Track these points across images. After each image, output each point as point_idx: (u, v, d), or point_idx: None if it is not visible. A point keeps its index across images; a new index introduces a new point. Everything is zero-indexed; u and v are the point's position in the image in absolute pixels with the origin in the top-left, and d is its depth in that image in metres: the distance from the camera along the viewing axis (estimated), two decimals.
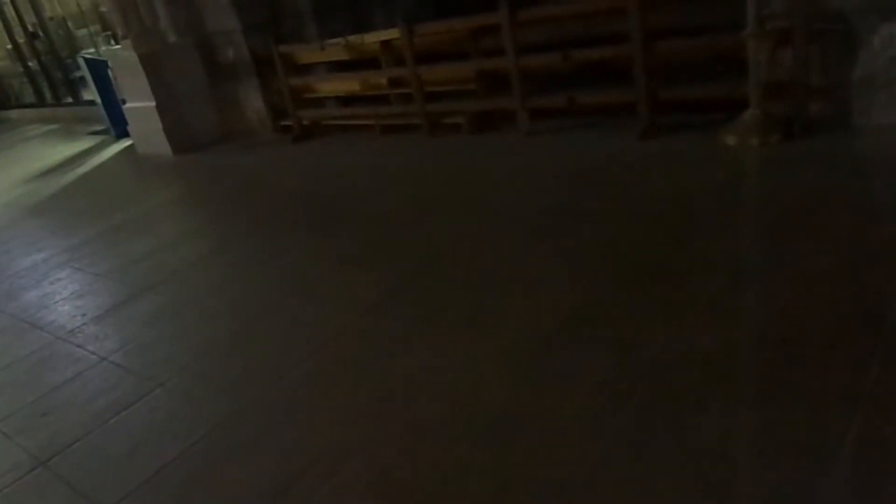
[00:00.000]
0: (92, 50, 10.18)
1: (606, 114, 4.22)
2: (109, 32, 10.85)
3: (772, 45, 3.41)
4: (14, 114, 11.77)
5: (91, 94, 10.19)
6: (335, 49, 5.28)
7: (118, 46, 9.14)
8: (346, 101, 5.92)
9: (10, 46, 11.62)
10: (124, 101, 7.07)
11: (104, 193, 5.75)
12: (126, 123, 7.82)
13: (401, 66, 5.00)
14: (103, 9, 13.36)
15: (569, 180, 3.64)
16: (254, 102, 6.21)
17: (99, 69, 7.77)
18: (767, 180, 3.19)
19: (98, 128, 8.70)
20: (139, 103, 6.46)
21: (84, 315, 3.39)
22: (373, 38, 5.04)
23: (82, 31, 13.30)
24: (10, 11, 10.76)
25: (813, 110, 3.46)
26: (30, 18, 10.99)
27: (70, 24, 13.15)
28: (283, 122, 6.05)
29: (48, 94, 11.05)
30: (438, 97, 4.93)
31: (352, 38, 5.14)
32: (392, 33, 4.88)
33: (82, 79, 10.52)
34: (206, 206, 4.87)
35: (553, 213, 3.26)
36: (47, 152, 8.10)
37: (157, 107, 6.25)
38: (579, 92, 4.17)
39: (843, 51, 3.32)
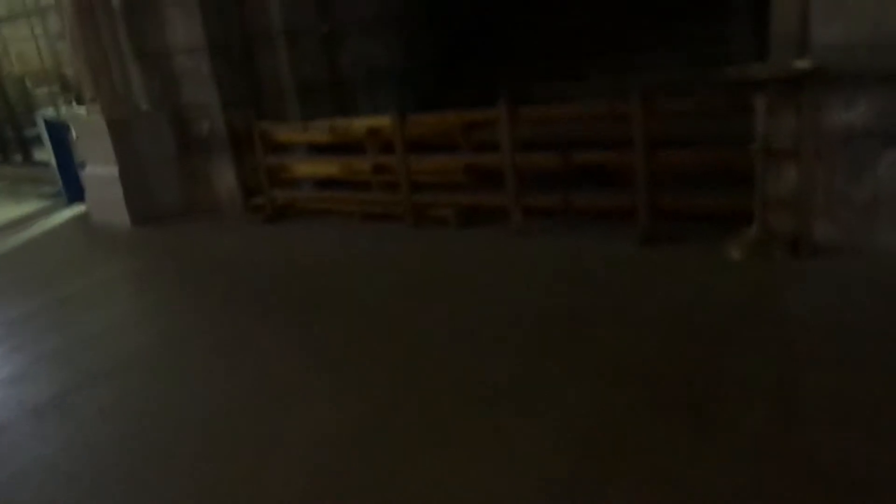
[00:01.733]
0: (51, 109, 9.82)
1: (603, 216, 4.11)
2: (73, 94, 10.57)
3: (778, 161, 3.39)
4: None
5: (45, 154, 9.79)
6: (318, 131, 5.11)
7: (80, 108, 8.84)
8: (323, 184, 5.72)
9: None
10: (83, 166, 6.71)
11: (51, 262, 5.29)
12: (80, 188, 7.43)
13: (386, 154, 4.86)
14: (67, 70, 13.13)
15: (567, 285, 3.46)
16: (225, 178, 5.94)
17: (57, 130, 7.42)
18: (777, 300, 3.08)
19: (49, 190, 8.23)
20: (100, 169, 6.11)
21: (20, 405, 2.94)
22: (361, 123, 4.90)
23: (41, 90, 12.97)
24: None
25: (818, 230, 3.41)
26: None
27: (28, 81, 12.80)
28: (254, 201, 5.78)
29: None
30: (424, 188, 4.77)
31: (338, 122, 4.99)
32: (381, 120, 4.75)
33: (36, 138, 10.11)
34: (165, 284, 4.48)
35: (554, 322, 3.05)
36: None
37: (120, 174, 5.91)
38: (576, 192, 4.07)
39: (849, 172, 3.31)
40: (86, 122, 6.18)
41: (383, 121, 4.73)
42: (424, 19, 6.40)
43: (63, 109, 9.73)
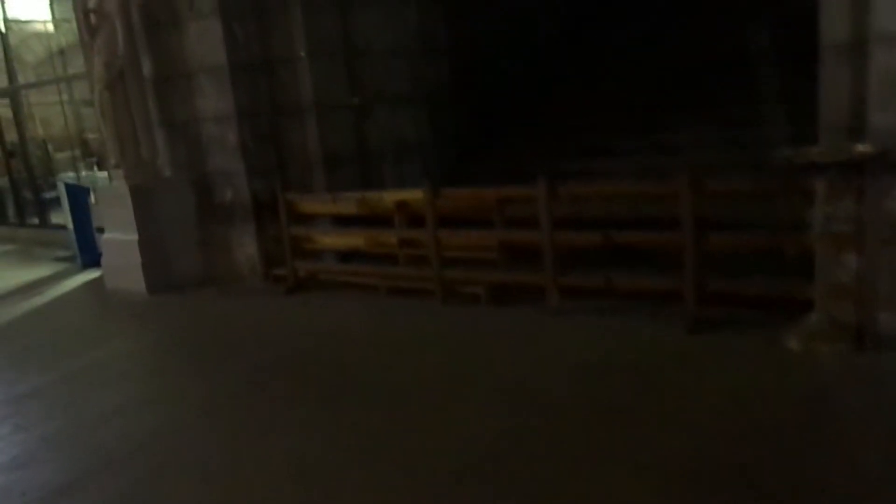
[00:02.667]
0: (72, 174, 9.84)
1: (647, 299, 3.92)
2: (94, 158, 10.63)
3: (839, 247, 3.22)
4: None
5: (62, 218, 9.75)
6: (347, 202, 5.00)
7: (102, 173, 8.85)
8: (346, 256, 5.58)
9: None
10: (101, 231, 6.62)
11: (64, 331, 5.09)
12: (96, 253, 7.31)
13: (414, 227, 4.73)
14: (89, 135, 13.31)
15: (607, 375, 3.23)
16: (247, 248, 5.80)
17: (77, 194, 7.36)
18: (841, 397, 2.84)
19: (63, 254, 8.12)
20: (119, 235, 5.99)
21: (24, 495, 2.69)
22: (391, 196, 4.79)
23: (62, 154, 13.11)
24: None
25: (883, 321, 3.20)
26: (10, 137, 10.71)
27: (50, 146, 12.96)
28: (276, 272, 5.63)
29: (11, 214, 10.49)
30: (455, 263, 4.60)
31: (369, 194, 4.88)
32: (412, 193, 4.64)
33: (53, 201, 10.10)
34: (184, 359, 4.26)
35: (609, 415, 2.81)
36: (3, 275, 7.42)
37: (140, 240, 5.78)
38: (618, 272, 3.89)
39: None
40: (108, 187, 6.12)
41: (414, 194, 4.62)
42: (451, 95, 6.41)
43: (84, 174, 9.76)
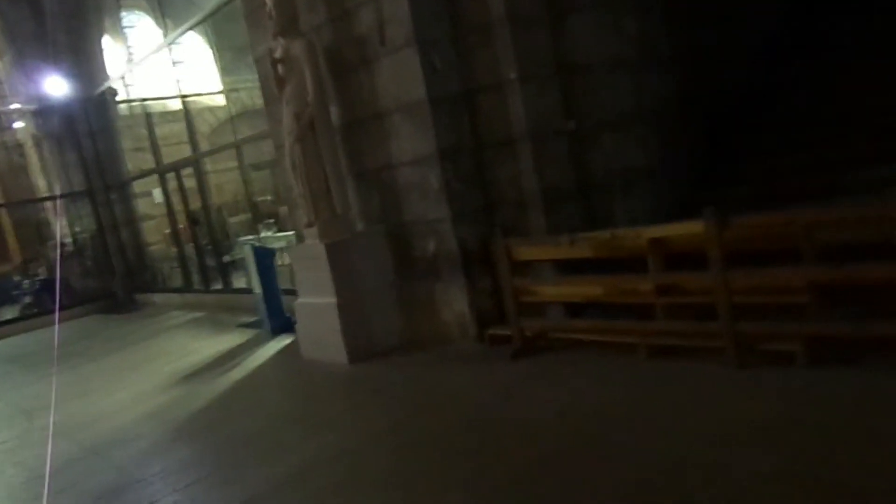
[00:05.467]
0: (251, 237, 9.79)
1: None
2: (272, 220, 10.61)
3: None
4: (158, 297, 11.42)
5: (243, 281, 9.68)
6: (588, 244, 4.09)
7: (284, 234, 8.62)
8: (574, 309, 4.65)
9: (167, 231, 11.57)
10: (287, 293, 6.19)
11: (272, 415, 4.49)
12: (284, 317, 6.94)
13: (674, 269, 3.73)
14: (266, 197, 13.58)
15: None
16: (455, 304, 5.04)
17: (264, 257, 7.05)
18: None
19: (248, 320, 7.87)
20: (315, 299, 5.45)
21: None
22: (651, 233, 3.81)
23: (234, 219, 13.45)
24: (175, 198, 10.75)
25: None
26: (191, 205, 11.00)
27: (224, 211, 13.36)
28: (492, 331, 4.80)
29: (196, 280, 10.64)
30: (749, 311, 3.51)
31: (621, 232, 3.94)
32: (683, 227, 3.64)
33: (232, 263, 10.11)
34: (424, 457, 3.38)
35: None
36: (194, 346, 7.21)
37: (339, 304, 5.20)
38: None
39: None
40: (301, 247, 5.64)
41: (687, 227, 3.61)
42: (679, 112, 5.36)
43: (265, 235, 9.67)
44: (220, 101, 15.15)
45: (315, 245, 5.33)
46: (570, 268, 4.62)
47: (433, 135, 4.83)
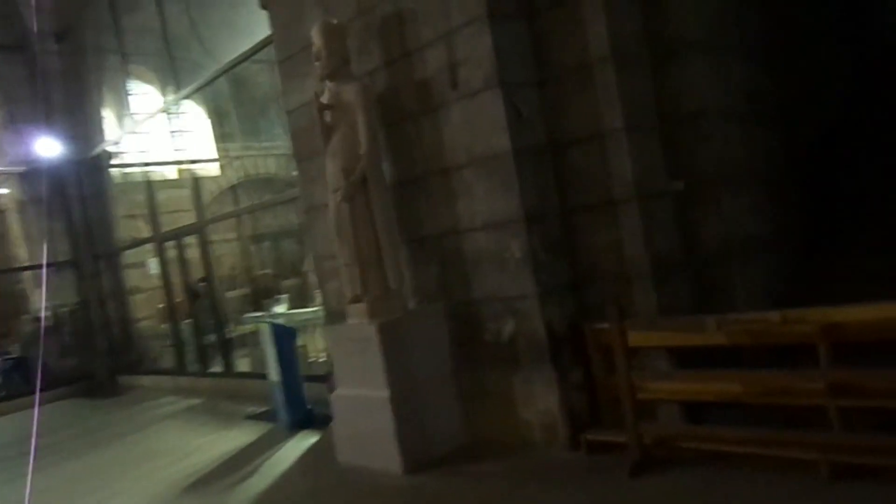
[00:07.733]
0: (261, 314, 8.81)
1: None
2: (286, 295, 9.64)
3: None
4: (147, 380, 10.23)
5: (245, 363, 8.63)
6: (739, 327, 3.22)
7: (303, 310, 7.64)
8: (695, 413, 3.74)
9: (161, 305, 10.52)
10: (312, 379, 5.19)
11: None
12: (305, 409, 5.91)
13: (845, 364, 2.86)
14: (266, 270, 12.63)
15: None
16: (539, 400, 4.09)
17: (283, 337, 6.07)
18: None
19: (257, 410, 6.79)
20: (359, 390, 4.47)
21: None
22: (830, 316, 2.95)
23: (230, 293, 12.42)
24: (173, 269, 9.78)
25: None
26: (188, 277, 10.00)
27: (222, 285, 12.35)
28: (591, 436, 3.84)
29: (190, 361, 9.52)
30: None
31: (790, 313, 3.08)
32: (863, 311, 2.79)
33: (230, 342, 9.04)
34: None
35: None
36: (196, 442, 6.09)
37: (392, 398, 4.22)
38: None
39: None
40: (343, 328, 4.70)
41: (887, 311, 2.76)
42: (790, 170, 4.64)
43: (275, 310, 8.69)
44: (219, 168, 14.47)
45: (362, 325, 4.41)
46: (690, 358, 3.75)
47: (517, 193, 4.02)
